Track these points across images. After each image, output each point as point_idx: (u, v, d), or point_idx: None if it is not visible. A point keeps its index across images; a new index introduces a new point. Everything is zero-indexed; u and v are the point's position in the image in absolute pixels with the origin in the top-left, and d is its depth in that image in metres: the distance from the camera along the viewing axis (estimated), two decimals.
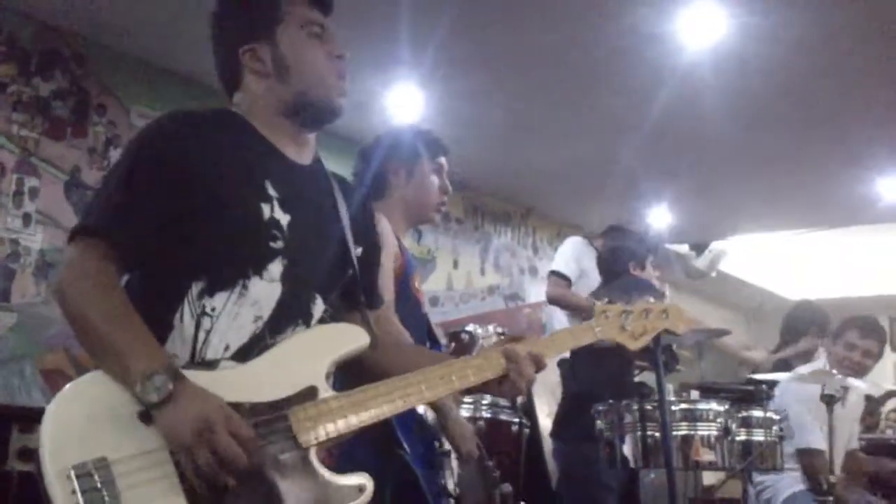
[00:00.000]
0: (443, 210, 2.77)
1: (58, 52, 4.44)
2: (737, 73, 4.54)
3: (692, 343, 5.05)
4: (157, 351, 1.44)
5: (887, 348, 4.41)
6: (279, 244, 1.59)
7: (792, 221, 7.50)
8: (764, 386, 3.89)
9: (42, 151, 4.32)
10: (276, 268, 1.59)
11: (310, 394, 1.52)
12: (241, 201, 1.58)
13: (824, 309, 5.06)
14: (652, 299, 1.93)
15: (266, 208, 1.59)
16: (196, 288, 1.53)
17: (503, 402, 4.14)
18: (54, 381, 4.10)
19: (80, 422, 1.38)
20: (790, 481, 3.91)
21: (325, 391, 1.54)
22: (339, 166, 1.97)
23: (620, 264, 3.81)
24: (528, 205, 7.31)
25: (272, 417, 1.47)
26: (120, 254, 1.51)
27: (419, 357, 1.80)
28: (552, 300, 4.51)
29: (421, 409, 2.46)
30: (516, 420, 4.15)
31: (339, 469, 1.52)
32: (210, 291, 1.54)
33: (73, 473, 1.32)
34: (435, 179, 2.69)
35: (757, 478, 3.97)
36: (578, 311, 4.26)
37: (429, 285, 6.16)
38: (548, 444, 4.47)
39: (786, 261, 8.73)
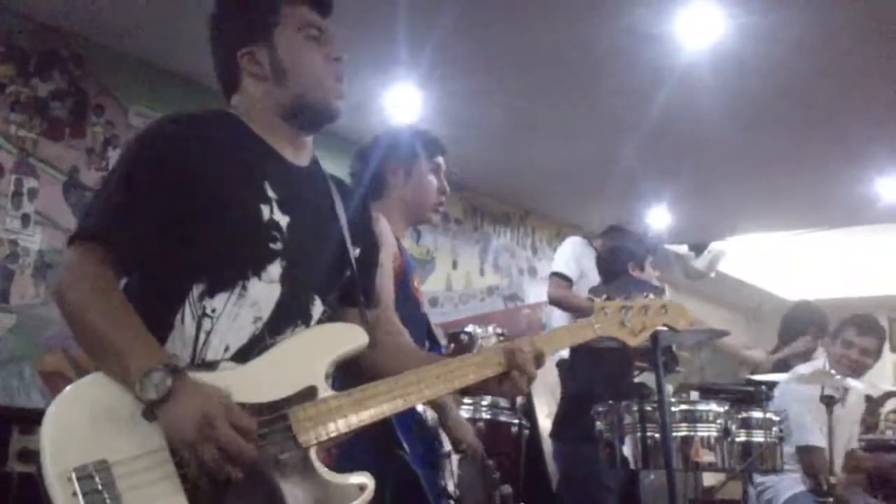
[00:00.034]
0: (441, 210, 2.76)
1: (56, 52, 4.43)
2: (736, 73, 4.54)
3: (692, 344, 5.05)
4: (156, 349, 1.45)
5: (886, 349, 4.41)
6: (278, 245, 1.60)
7: (791, 222, 7.50)
8: (763, 387, 3.89)
9: (40, 152, 4.32)
10: (275, 269, 1.59)
11: (309, 394, 1.52)
12: (240, 202, 1.58)
13: (823, 309, 5.06)
14: (651, 296, 1.92)
15: (266, 210, 1.59)
16: (197, 290, 1.54)
17: (503, 403, 4.14)
18: (53, 382, 4.10)
19: (81, 424, 1.38)
20: (791, 482, 3.91)
21: (325, 391, 1.54)
22: (337, 166, 1.97)
23: (619, 264, 3.81)
24: (527, 205, 7.31)
25: (272, 418, 1.46)
26: (118, 257, 1.52)
27: (418, 357, 1.80)
28: (554, 301, 4.50)
29: (420, 408, 2.46)
30: (516, 421, 4.15)
31: (340, 469, 1.52)
32: (211, 293, 1.54)
33: (74, 475, 1.32)
34: (433, 179, 2.69)
35: (758, 479, 3.97)
36: (580, 313, 4.25)
37: (428, 286, 6.16)
38: (548, 445, 4.47)
39: (785, 261, 8.74)
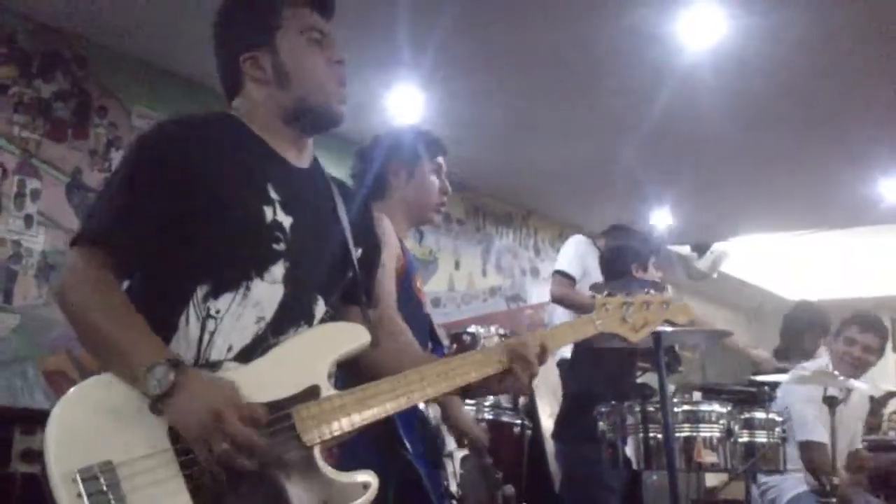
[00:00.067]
0: (442, 210, 2.77)
1: (59, 53, 4.44)
2: (737, 73, 4.54)
3: (695, 344, 5.04)
4: (159, 346, 1.46)
5: (889, 350, 4.41)
6: (281, 246, 1.60)
7: (793, 222, 7.49)
8: (766, 387, 3.88)
9: (43, 153, 4.33)
10: (278, 269, 1.59)
11: (312, 392, 1.53)
12: (242, 203, 1.58)
13: (825, 309, 5.04)
14: (652, 292, 1.92)
15: (268, 211, 1.60)
16: (201, 291, 1.54)
17: (505, 403, 4.15)
18: (57, 382, 4.10)
19: (85, 425, 1.39)
20: (794, 482, 3.91)
21: (328, 390, 1.55)
22: (338, 167, 1.97)
23: (622, 264, 3.80)
24: (529, 205, 7.31)
25: (275, 417, 1.47)
26: (120, 259, 1.53)
27: (419, 356, 1.81)
28: (556, 299, 4.50)
29: (422, 406, 2.46)
30: (518, 422, 4.15)
31: (343, 467, 1.53)
32: (215, 294, 1.54)
33: (78, 477, 1.33)
34: (435, 180, 2.70)
35: (761, 478, 3.97)
36: (582, 310, 4.25)
37: (430, 286, 6.16)
38: (550, 446, 4.47)
39: (787, 262, 8.73)
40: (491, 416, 4.00)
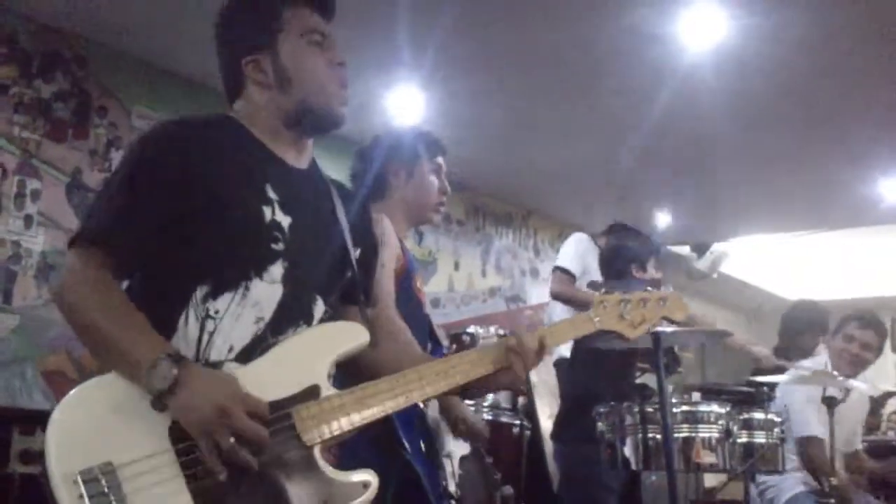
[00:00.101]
0: (442, 210, 2.78)
1: (59, 53, 4.44)
2: (737, 73, 4.54)
3: (696, 345, 5.04)
4: (161, 343, 1.46)
5: (889, 350, 4.41)
6: (280, 246, 1.60)
7: (793, 223, 7.50)
8: (765, 388, 3.88)
9: (43, 153, 4.33)
10: (277, 269, 1.59)
11: (312, 392, 1.53)
12: (241, 203, 1.59)
13: (823, 308, 5.03)
14: (649, 289, 1.92)
15: (267, 211, 1.60)
16: (201, 291, 1.54)
17: (504, 404, 4.15)
18: (56, 383, 4.10)
19: (86, 426, 1.39)
20: (793, 482, 3.91)
21: (327, 389, 1.55)
22: (339, 167, 1.97)
23: (622, 264, 3.80)
24: (529, 206, 7.32)
25: (275, 417, 1.47)
26: (119, 260, 1.53)
27: (417, 356, 1.82)
28: (556, 296, 4.50)
29: (420, 404, 2.46)
30: (517, 422, 4.16)
31: (343, 467, 1.53)
32: (214, 294, 1.55)
33: (79, 478, 1.34)
34: (434, 180, 2.70)
35: (760, 478, 3.97)
36: (582, 308, 4.24)
37: (430, 287, 6.16)
38: (549, 446, 4.47)
39: (787, 262, 8.73)
40: (490, 417, 4.01)
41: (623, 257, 3.82)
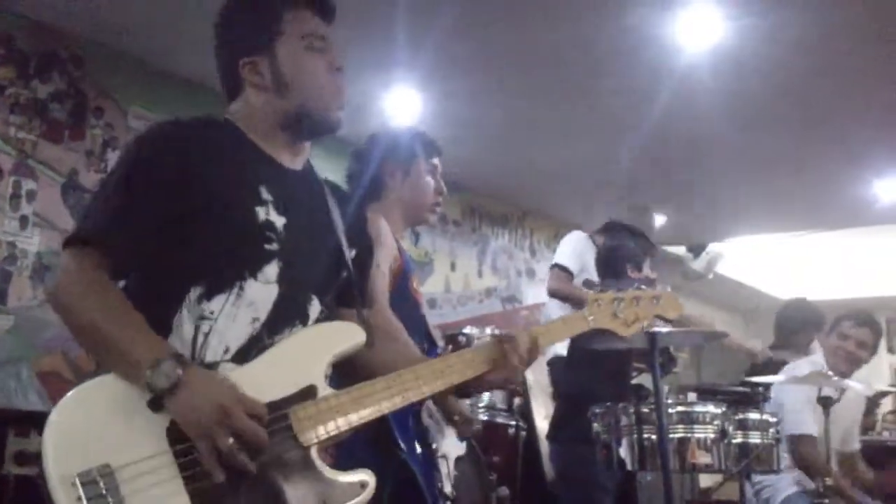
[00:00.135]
0: (438, 211, 2.78)
1: (55, 53, 4.43)
2: (735, 73, 4.55)
3: (691, 345, 5.04)
4: (162, 342, 1.47)
5: (884, 351, 4.42)
6: (274, 246, 1.60)
7: (789, 223, 7.51)
8: (760, 388, 3.89)
9: (39, 154, 4.32)
10: (271, 269, 1.59)
11: (309, 393, 1.53)
12: (235, 204, 1.59)
13: (818, 306, 5.03)
14: (643, 287, 1.93)
15: (261, 211, 1.60)
16: (195, 292, 1.54)
17: (500, 405, 4.15)
18: (51, 383, 4.09)
19: (83, 428, 1.39)
20: (789, 481, 3.92)
21: (324, 389, 1.55)
22: (336, 168, 1.97)
23: (618, 264, 3.81)
24: (525, 206, 7.32)
25: (272, 417, 1.47)
26: (115, 260, 1.53)
27: (413, 356, 1.84)
28: (553, 293, 4.49)
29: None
30: (513, 423, 4.15)
31: (340, 467, 1.53)
32: (208, 295, 1.54)
33: (77, 481, 1.33)
34: (430, 180, 2.71)
35: (756, 477, 3.97)
36: (578, 305, 4.23)
37: (426, 288, 6.16)
38: (545, 447, 4.47)
39: (783, 262, 8.74)
40: (485, 417, 4.01)
41: (619, 258, 3.83)
